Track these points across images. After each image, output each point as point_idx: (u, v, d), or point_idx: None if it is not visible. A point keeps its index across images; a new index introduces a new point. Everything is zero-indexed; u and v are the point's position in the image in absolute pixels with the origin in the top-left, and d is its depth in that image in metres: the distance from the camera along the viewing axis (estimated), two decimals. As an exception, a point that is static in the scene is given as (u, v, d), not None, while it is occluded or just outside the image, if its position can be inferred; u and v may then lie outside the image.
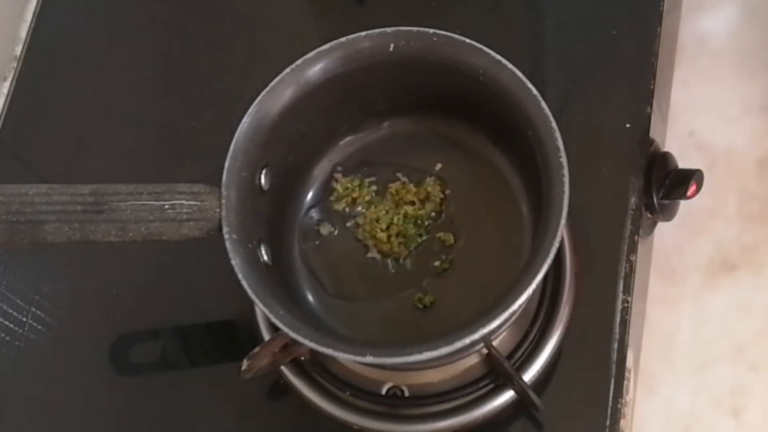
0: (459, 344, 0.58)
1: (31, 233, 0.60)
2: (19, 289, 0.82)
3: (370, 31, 0.66)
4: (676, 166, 0.77)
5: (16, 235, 0.60)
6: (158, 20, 0.92)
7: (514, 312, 0.60)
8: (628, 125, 0.77)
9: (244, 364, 0.65)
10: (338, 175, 0.74)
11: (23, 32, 0.93)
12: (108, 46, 0.91)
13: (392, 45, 0.66)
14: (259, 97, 0.65)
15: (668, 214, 0.78)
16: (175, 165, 0.83)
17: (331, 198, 0.74)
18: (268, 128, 0.65)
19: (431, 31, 0.65)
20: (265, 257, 0.66)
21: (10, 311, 0.81)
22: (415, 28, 0.65)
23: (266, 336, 0.72)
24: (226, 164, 0.63)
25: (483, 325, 0.58)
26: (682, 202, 0.78)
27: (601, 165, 0.76)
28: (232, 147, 0.64)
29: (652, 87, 0.78)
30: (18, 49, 0.92)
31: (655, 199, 0.76)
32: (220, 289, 0.76)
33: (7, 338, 0.80)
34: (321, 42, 0.67)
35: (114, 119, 0.88)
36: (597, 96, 0.79)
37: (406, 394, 0.71)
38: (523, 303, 0.59)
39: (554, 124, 0.62)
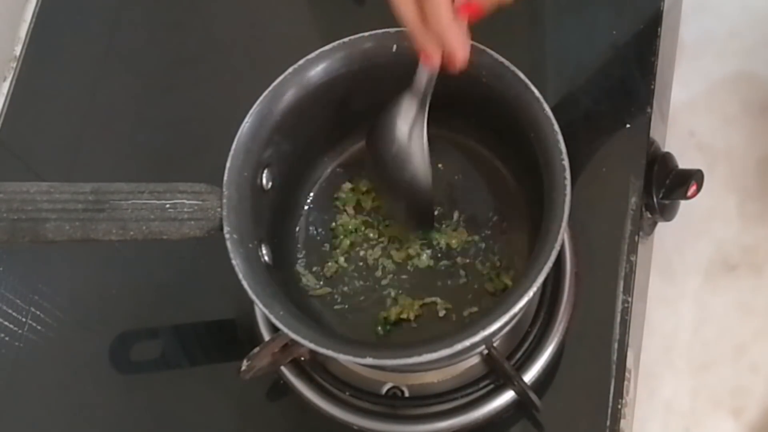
0: (459, 347, 0.58)
1: (32, 231, 0.60)
2: (19, 290, 0.82)
3: (372, 32, 0.66)
4: (677, 166, 0.77)
5: (17, 232, 0.60)
6: (158, 20, 0.92)
7: (515, 315, 0.60)
8: (628, 125, 0.77)
9: (244, 364, 0.65)
10: (345, 185, 0.74)
11: (23, 32, 0.93)
12: (108, 46, 0.91)
13: (395, 46, 0.66)
14: (261, 97, 0.65)
15: (668, 214, 0.78)
16: (176, 164, 0.83)
17: (336, 202, 0.74)
18: (270, 128, 0.66)
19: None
20: (266, 257, 0.66)
21: (10, 311, 0.81)
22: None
23: (266, 336, 0.72)
24: (228, 164, 0.63)
25: (483, 328, 0.58)
26: (683, 202, 0.79)
27: (602, 165, 0.76)
28: (233, 146, 0.64)
29: (652, 87, 0.78)
30: (18, 49, 0.92)
31: (655, 199, 0.76)
32: (220, 289, 0.77)
33: (7, 338, 0.80)
34: (321, 43, 0.67)
35: (114, 119, 0.88)
36: (597, 96, 0.79)
37: (406, 394, 0.71)
38: (524, 306, 0.59)
39: (556, 127, 0.62)
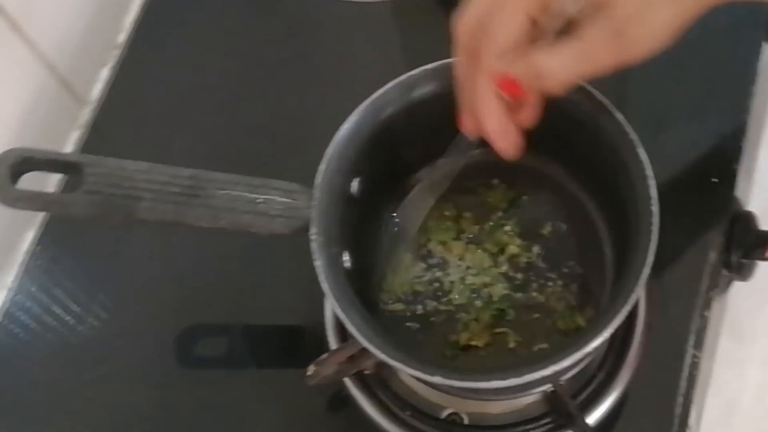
0: (528, 378, 0.57)
1: (126, 208, 0.61)
2: (90, 276, 0.84)
3: (476, 57, 0.66)
4: (758, 227, 0.77)
5: (110, 208, 0.60)
6: (266, 24, 0.93)
7: (588, 354, 0.59)
8: (714, 179, 0.77)
9: (311, 369, 0.65)
10: None
11: (128, 21, 0.95)
12: (211, 42, 0.93)
13: (495, 71, 0.66)
14: (361, 106, 0.66)
15: (745, 273, 0.77)
16: (271, 161, 0.83)
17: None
18: (365, 138, 0.66)
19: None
20: (347, 264, 0.66)
21: (79, 297, 0.82)
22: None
23: (334, 346, 0.72)
24: (321, 167, 0.64)
25: (555, 362, 0.58)
26: (761, 264, 0.78)
27: (684, 216, 0.75)
28: (328, 151, 0.64)
29: (741, 144, 0.78)
30: (121, 38, 0.94)
31: (733, 257, 0.75)
32: (293, 294, 0.78)
33: (73, 322, 0.81)
34: (419, 64, 0.67)
35: (213, 112, 0.90)
36: (686, 147, 0.79)
37: (465, 421, 0.71)
38: (597, 346, 0.59)
39: (649, 171, 0.61)
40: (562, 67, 0.55)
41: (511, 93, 0.57)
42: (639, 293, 0.58)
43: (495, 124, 0.58)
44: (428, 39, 0.88)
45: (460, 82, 0.59)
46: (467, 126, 0.61)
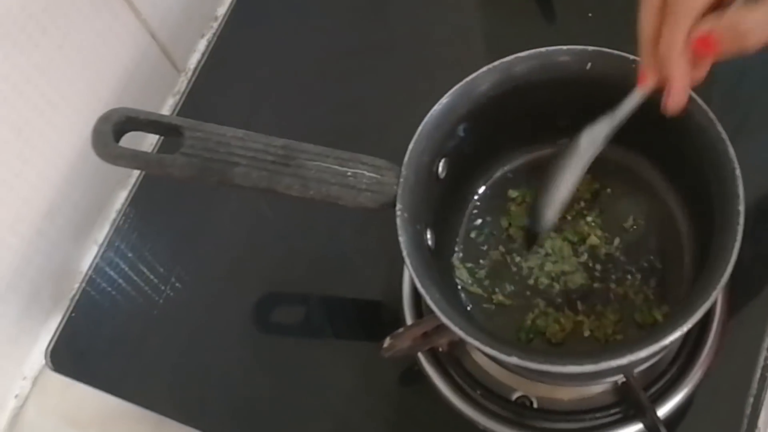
0: (604, 365, 0.58)
1: (222, 172, 0.63)
2: (177, 236, 0.86)
3: (570, 47, 0.67)
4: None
5: (207, 171, 0.63)
6: (354, 11, 0.95)
7: (664, 347, 0.59)
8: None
9: (387, 341, 0.67)
10: (511, 191, 0.75)
11: (228, -5, 0.98)
12: (305, 24, 0.95)
13: (589, 64, 0.66)
14: (452, 89, 0.67)
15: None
16: (361, 137, 0.84)
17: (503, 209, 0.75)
18: (455, 120, 0.67)
19: (631, 57, 0.65)
20: (429, 242, 0.67)
21: (164, 257, 0.85)
22: (615, 52, 0.66)
23: (409, 323, 0.73)
24: (411, 146, 0.65)
25: (632, 352, 0.58)
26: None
27: (765, 220, 0.75)
28: (418, 131, 0.66)
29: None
30: (220, 11, 0.97)
31: (814, 264, 0.74)
32: (372, 269, 0.79)
33: (157, 282, 0.84)
34: (510, 53, 0.68)
35: (303, 88, 0.91)
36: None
37: (535, 405, 0.72)
38: (675, 340, 0.59)
39: (738, 172, 0.61)
40: (763, 24, 0.55)
41: (706, 52, 0.57)
42: (719, 291, 0.58)
43: (685, 79, 0.59)
44: (518, 25, 0.89)
45: (646, 37, 0.59)
46: (648, 80, 0.61)
